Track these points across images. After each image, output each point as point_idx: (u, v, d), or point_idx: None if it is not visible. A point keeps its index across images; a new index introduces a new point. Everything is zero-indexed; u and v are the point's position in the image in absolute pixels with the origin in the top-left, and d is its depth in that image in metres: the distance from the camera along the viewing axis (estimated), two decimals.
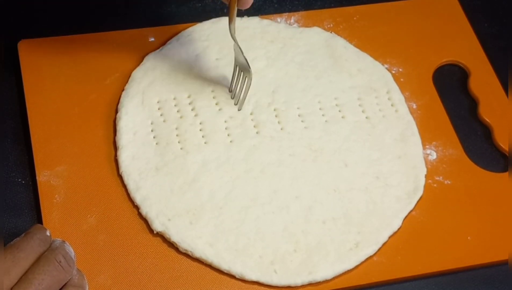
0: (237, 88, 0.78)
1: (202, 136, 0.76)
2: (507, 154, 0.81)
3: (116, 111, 0.78)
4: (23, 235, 0.59)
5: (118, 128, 0.76)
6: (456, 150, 0.80)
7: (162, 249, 0.70)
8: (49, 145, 0.74)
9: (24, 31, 0.82)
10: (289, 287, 0.69)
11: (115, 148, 0.75)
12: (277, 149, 0.76)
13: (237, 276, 0.69)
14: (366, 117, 0.80)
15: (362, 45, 0.86)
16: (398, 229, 0.73)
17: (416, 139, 0.79)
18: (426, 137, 0.80)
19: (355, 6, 0.90)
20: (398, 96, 0.82)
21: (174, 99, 0.79)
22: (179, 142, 0.76)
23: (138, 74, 0.80)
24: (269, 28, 0.85)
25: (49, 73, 0.79)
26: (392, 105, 0.81)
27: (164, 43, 0.83)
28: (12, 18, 0.84)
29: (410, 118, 0.81)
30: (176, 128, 0.76)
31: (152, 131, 0.76)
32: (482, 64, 0.87)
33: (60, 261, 0.58)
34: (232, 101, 0.79)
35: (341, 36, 0.86)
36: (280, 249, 0.70)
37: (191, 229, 0.70)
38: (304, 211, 0.73)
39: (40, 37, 0.81)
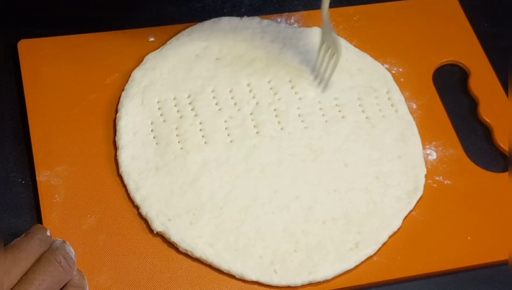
0: (322, 65, 0.79)
1: (202, 136, 0.76)
2: (507, 154, 0.81)
3: (116, 111, 0.78)
4: (23, 235, 0.59)
5: (118, 128, 0.76)
6: (456, 150, 0.80)
7: (162, 249, 0.70)
8: (49, 145, 0.74)
9: (24, 31, 0.82)
10: (289, 287, 0.69)
11: (115, 148, 0.75)
12: (277, 149, 0.76)
13: (237, 276, 0.69)
14: (366, 117, 0.80)
15: (362, 45, 0.86)
16: (398, 229, 0.74)
17: (416, 139, 0.80)
18: (426, 137, 0.80)
19: (355, 6, 0.90)
20: (398, 96, 0.82)
21: (174, 99, 0.79)
22: (179, 142, 0.76)
23: (138, 74, 0.80)
24: (269, 28, 0.85)
25: (49, 73, 0.79)
26: (392, 105, 0.82)
27: (164, 43, 0.83)
28: (12, 18, 0.84)
29: (410, 118, 0.81)
30: (176, 128, 0.77)
31: (152, 131, 0.76)
32: (482, 64, 0.87)
33: (60, 262, 0.58)
34: (232, 101, 0.79)
35: (341, 36, 0.86)
36: (280, 249, 0.70)
37: (191, 229, 0.70)
38: (304, 211, 0.73)
39: (40, 37, 0.81)
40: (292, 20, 0.88)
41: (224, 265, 0.69)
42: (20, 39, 0.81)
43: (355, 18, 0.89)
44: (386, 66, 0.85)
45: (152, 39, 0.84)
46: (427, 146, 0.80)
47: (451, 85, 0.86)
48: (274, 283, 0.69)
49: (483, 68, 0.87)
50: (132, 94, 0.78)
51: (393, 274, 0.71)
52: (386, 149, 0.78)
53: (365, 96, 0.82)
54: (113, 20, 0.84)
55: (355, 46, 0.86)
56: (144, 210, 0.71)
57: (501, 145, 0.81)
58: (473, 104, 0.85)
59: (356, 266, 0.71)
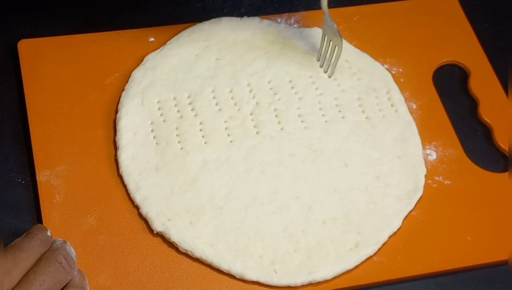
0: (327, 53, 0.81)
1: (202, 136, 0.76)
2: (507, 154, 0.81)
3: (116, 111, 0.78)
4: (24, 235, 0.59)
5: (118, 128, 0.76)
6: (456, 150, 0.80)
7: (162, 249, 0.70)
8: (49, 145, 0.74)
9: (24, 31, 0.82)
10: (289, 287, 0.69)
11: (115, 148, 0.75)
12: (277, 149, 0.76)
13: (237, 276, 0.69)
14: (366, 117, 0.80)
15: (362, 45, 0.86)
16: (398, 229, 0.74)
17: (416, 139, 0.80)
18: (426, 137, 0.80)
19: (355, 6, 0.90)
20: (398, 96, 0.82)
21: (174, 99, 0.79)
22: (179, 142, 0.76)
23: (138, 74, 0.80)
24: (269, 28, 0.85)
25: (49, 73, 0.79)
26: (392, 105, 0.82)
27: (164, 43, 0.83)
28: (12, 18, 0.84)
29: (410, 118, 0.81)
30: (176, 128, 0.77)
31: (152, 131, 0.76)
32: (482, 64, 0.87)
33: (61, 262, 0.58)
34: (232, 101, 0.79)
35: None
36: (280, 249, 0.70)
37: (191, 229, 0.70)
38: (304, 211, 0.73)
39: (40, 37, 0.81)
40: (292, 20, 0.88)
41: (224, 265, 0.69)
42: (20, 39, 0.81)
43: (355, 18, 0.89)
44: (386, 66, 0.85)
45: (152, 39, 0.84)
46: (427, 146, 0.80)
47: (451, 85, 0.86)
48: (274, 283, 0.69)
49: (483, 68, 0.87)
50: (132, 94, 0.78)
51: (393, 274, 0.71)
52: (386, 149, 0.78)
53: (365, 96, 0.82)
54: (113, 20, 0.84)
55: (355, 46, 0.86)
56: (144, 210, 0.71)
57: (501, 145, 0.81)
58: (473, 104, 0.85)
59: (356, 266, 0.71)
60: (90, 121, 0.77)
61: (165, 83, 0.80)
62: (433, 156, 0.79)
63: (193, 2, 0.89)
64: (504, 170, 0.80)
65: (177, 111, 0.78)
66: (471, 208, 0.76)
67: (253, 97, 0.80)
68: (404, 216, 0.74)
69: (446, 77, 0.87)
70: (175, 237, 0.70)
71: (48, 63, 0.80)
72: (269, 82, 0.81)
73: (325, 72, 0.82)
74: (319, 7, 0.89)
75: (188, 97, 0.79)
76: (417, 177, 0.77)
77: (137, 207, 0.72)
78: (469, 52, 0.88)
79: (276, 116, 0.79)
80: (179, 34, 0.84)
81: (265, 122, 0.78)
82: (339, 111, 0.80)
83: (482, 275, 0.73)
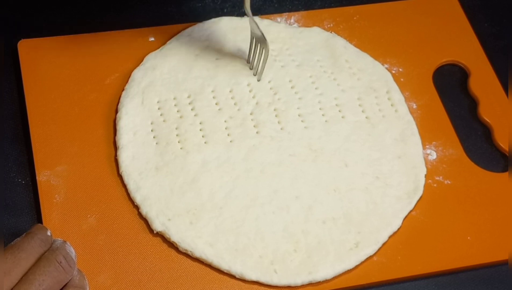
0: (255, 59, 0.79)
1: (202, 136, 0.76)
2: (507, 154, 0.81)
3: (116, 111, 0.78)
4: (24, 235, 0.59)
5: (118, 128, 0.76)
6: (456, 150, 0.80)
7: (162, 249, 0.70)
8: (49, 145, 0.75)
9: (24, 31, 0.82)
10: (289, 287, 0.69)
11: (115, 148, 0.75)
12: (277, 149, 0.76)
13: (237, 276, 0.69)
14: (366, 117, 0.80)
15: (362, 45, 0.86)
16: (398, 229, 0.74)
17: (416, 139, 0.80)
18: (426, 137, 0.80)
19: (355, 6, 0.90)
20: (398, 96, 0.82)
21: (174, 99, 0.79)
22: (179, 142, 0.76)
23: (138, 74, 0.80)
24: (269, 28, 0.85)
25: (49, 73, 0.79)
26: (392, 105, 0.82)
27: (164, 43, 0.83)
28: (12, 18, 0.84)
29: (410, 118, 0.81)
30: (176, 128, 0.77)
31: (152, 131, 0.76)
32: (482, 64, 0.87)
33: (60, 262, 0.58)
34: (232, 101, 0.79)
35: (341, 36, 0.86)
36: (280, 249, 0.70)
37: (191, 229, 0.70)
38: (304, 211, 0.73)
39: (40, 37, 0.81)
40: (292, 20, 0.88)
41: (224, 265, 0.69)
42: (20, 39, 0.81)
43: (355, 18, 0.89)
44: (386, 66, 0.85)
45: (152, 39, 0.84)
46: (427, 146, 0.80)
47: (451, 85, 0.86)
48: (274, 283, 0.69)
49: (483, 68, 0.87)
50: (132, 94, 0.78)
51: (393, 274, 0.71)
52: (386, 149, 0.78)
53: (365, 96, 0.82)
54: (113, 20, 0.84)
55: (355, 46, 0.86)
56: (144, 210, 0.71)
57: (501, 145, 0.81)
58: (473, 104, 0.85)
59: (356, 266, 0.71)
60: (90, 121, 0.77)
61: (165, 83, 0.80)
62: (433, 156, 0.79)
63: (193, 2, 0.89)
64: (504, 170, 0.80)
65: (177, 111, 0.78)
66: (471, 208, 0.76)
67: (253, 97, 0.80)
68: (404, 216, 0.74)
69: (446, 77, 0.87)
70: (175, 237, 0.70)
71: (48, 63, 0.80)
72: (269, 82, 0.81)
73: (254, 75, 0.80)
74: (319, 7, 0.90)
75: (188, 97, 0.79)
76: (417, 177, 0.77)
77: (137, 207, 0.72)
78: (469, 52, 0.88)
79: (276, 116, 0.79)
80: (179, 34, 0.84)
81: (265, 122, 0.78)
82: (339, 111, 0.80)
83: (482, 275, 0.73)
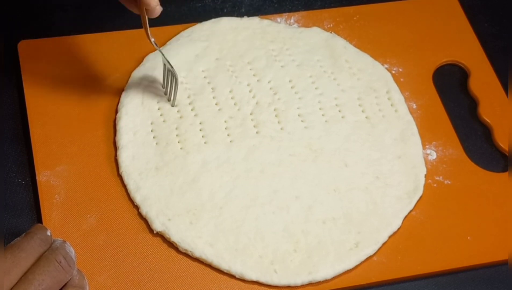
0: (168, 87, 0.78)
1: (202, 136, 0.76)
2: (507, 154, 0.81)
3: (116, 111, 0.78)
4: (23, 235, 0.59)
5: (118, 128, 0.76)
6: (456, 150, 0.80)
7: (162, 249, 0.70)
8: (49, 145, 0.75)
9: (24, 31, 0.82)
10: (289, 287, 0.69)
11: (115, 148, 0.75)
12: (277, 149, 0.76)
13: (237, 276, 0.69)
14: (366, 117, 0.80)
15: (362, 45, 0.86)
16: (398, 229, 0.74)
17: (416, 139, 0.80)
18: (426, 137, 0.80)
19: (355, 6, 0.90)
20: (398, 96, 0.82)
21: None
22: (179, 142, 0.76)
23: (138, 74, 0.80)
24: (269, 28, 0.85)
25: (49, 73, 0.79)
26: (392, 105, 0.82)
27: (164, 43, 0.83)
28: (12, 18, 0.84)
29: (410, 118, 0.81)
30: (176, 128, 0.77)
31: (152, 131, 0.76)
32: (482, 64, 0.87)
33: (60, 262, 0.58)
34: (232, 101, 0.79)
35: (341, 36, 0.86)
36: (280, 249, 0.70)
37: (191, 229, 0.70)
38: (304, 211, 0.73)
39: (40, 37, 0.81)
40: (292, 20, 0.88)
41: (224, 265, 0.69)
42: (20, 39, 0.81)
43: (355, 18, 0.89)
44: (386, 66, 0.85)
45: (152, 39, 0.83)
46: (427, 146, 0.80)
47: (451, 85, 0.86)
48: (274, 283, 0.69)
49: (483, 68, 0.87)
50: (132, 94, 0.78)
51: (393, 274, 0.71)
52: (386, 149, 0.78)
53: (365, 96, 0.82)
54: (113, 21, 0.84)
55: (355, 46, 0.86)
56: (144, 210, 0.71)
57: (501, 145, 0.81)
58: (473, 104, 0.85)
59: (356, 266, 0.71)
60: (90, 121, 0.77)
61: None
62: (433, 156, 0.79)
63: (193, 2, 0.89)
64: (504, 170, 0.80)
65: (177, 111, 0.78)
66: (471, 208, 0.76)
67: (253, 97, 0.80)
68: (404, 216, 0.74)
69: (446, 77, 0.87)
70: (175, 237, 0.70)
71: (48, 63, 0.80)
72: (269, 82, 0.81)
73: (169, 101, 0.78)
74: (319, 7, 0.90)
75: (188, 97, 0.79)
76: (417, 177, 0.77)
77: (137, 207, 0.72)
78: (469, 52, 0.88)
79: (276, 116, 0.79)
80: (179, 34, 0.84)
81: (265, 122, 0.78)
82: (339, 111, 0.80)
83: (482, 275, 0.73)
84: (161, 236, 0.71)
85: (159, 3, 0.69)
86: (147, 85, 0.79)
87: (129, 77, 0.80)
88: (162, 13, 0.85)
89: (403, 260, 0.72)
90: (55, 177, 0.72)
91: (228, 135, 0.77)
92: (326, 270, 0.70)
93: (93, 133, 0.76)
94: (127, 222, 0.71)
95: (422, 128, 0.81)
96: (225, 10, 0.88)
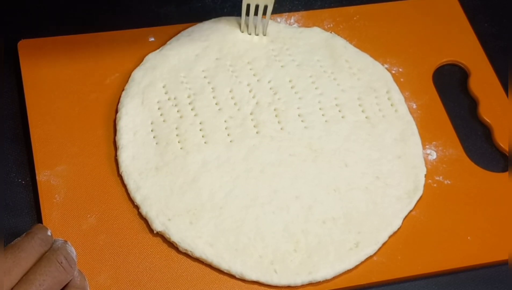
0: (252, 22, 0.81)
1: (202, 136, 0.76)
2: (507, 154, 0.81)
3: (116, 111, 0.78)
4: (24, 235, 0.59)
5: (118, 128, 0.76)
6: (456, 150, 0.80)
7: (162, 249, 0.70)
8: (49, 145, 0.75)
9: (24, 31, 0.82)
10: (289, 287, 0.69)
11: (115, 148, 0.75)
12: (277, 149, 0.76)
13: (237, 276, 0.69)
14: (366, 117, 0.80)
15: (362, 45, 0.86)
16: (398, 229, 0.74)
17: (416, 139, 0.79)
18: (426, 137, 0.80)
19: (355, 6, 0.90)
20: (397, 96, 0.82)
21: (174, 99, 0.79)
22: (179, 142, 0.76)
23: (138, 74, 0.80)
24: (269, 28, 0.85)
25: (49, 73, 0.79)
26: (391, 105, 0.82)
27: (164, 43, 0.83)
28: (12, 18, 0.84)
29: (410, 118, 0.81)
30: (176, 128, 0.77)
31: (152, 131, 0.76)
32: (482, 64, 0.87)
33: (61, 262, 0.58)
34: (232, 101, 0.79)
35: (341, 36, 0.86)
36: (280, 249, 0.70)
37: (191, 229, 0.70)
38: (304, 211, 0.73)
39: (40, 37, 0.81)
40: (292, 20, 0.88)
41: (224, 265, 0.69)
42: (20, 39, 0.81)
43: (355, 18, 0.89)
44: (386, 66, 0.85)
45: (152, 39, 0.84)
46: (427, 146, 0.80)
47: (451, 85, 0.86)
48: (274, 283, 0.69)
49: (483, 68, 0.87)
50: (132, 94, 0.78)
51: (393, 274, 0.71)
52: (386, 149, 0.78)
53: (365, 96, 0.82)
54: (113, 20, 0.84)
55: (355, 46, 0.86)
56: (144, 210, 0.71)
57: (501, 145, 0.81)
58: (473, 104, 0.85)
59: (356, 266, 0.71)
60: (90, 121, 0.77)
61: (165, 83, 0.80)
62: (433, 156, 0.79)
63: (193, 2, 0.89)
64: (504, 170, 0.80)
65: (177, 111, 0.78)
66: (471, 208, 0.76)
67: (253, 97, 0.80)
68: (404, 216, 0.74)
69: (446, 77, 0.87)
70: (175, 237, 0.70)
71: (48, 63, 0.80)
72: (269, 82, 0.81)
73: (257, 34, 0.82)
74: (319, 7, 0.90)
75: (188, 97, 0.79)
76: (417, 177, 0.77)
77: (137, 207, 0.72)
78: (469, 52, 0.88)
79: (276, 116, 0.79)
80: (179, 34, 0.84)
81: (265, 122, 0.78)
82: (339, 111, 0.80)
83: (482, 275, 0.73)
84: (161, 236, 0.71)
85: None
86: (147, 85, 0.79)
87: (129, 77, 0.80)
88: (162, 13, 0.85)
89: (403, 260, 0.72)
90: (55, 177, 0.72)
91: (228, 135, 0.77)
92: (326, 270, 0.70)
93: (93, 133, 0.76)
94: (127, 222, 0.71)
95: (422, 128, 0.81)
96: (225, 10, 0.88)
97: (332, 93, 0.81)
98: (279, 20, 0.87)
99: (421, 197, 0.76)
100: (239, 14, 0.86)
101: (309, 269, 0.70)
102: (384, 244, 0.72)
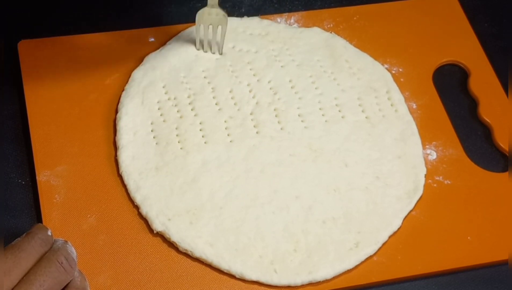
0: (206, 40, 0.80)
1: (202, 136, 0.76)
2: (507, 154, 0.81)
3: (116, 111, 0.78)
4: (24, 235, 0.59)
5: (118, 128, 0.76)
6: (456, 150, 0.80)
7: (162, 249, 0.70)
8: (49, 145, 0.75)
9: (24, 31, 0.82)
10: (289, 287, 0.69)
11: (115, 148, 0.75)
12: (277, 149, 0.76)
13: (237, 276, 0.69)
14: (366, 117, 0.80)
15: (362, 45, 0.86)
16: (398, 229, 0.74)
17: (416, 139, 0.80)
18: (426, 137, 0.80)
19: (355, 6, 0.90)
20: (397, 96, 0.82)
21: (174, 99, 0.79)
22: (179, 142, 0.76)
23: (138, 74, 0.80)
24: (269, 28, 0.85)
25: (49, 73, 0.79)
26: (391, 105, 0.82)
27: (164, 43, 0.83)
28: (12, 18, 0.84)
29: (410, 118, 0.81)
30: (176, 128, 0.77)
31: (152, 131, 0.76)
32: (482, 64, 0.87)
33: (62, 262, 0.58)
34: (232, 101, 0.79)
35: (341, 36, 0.86)
36: (280, 249, 0.70)
37: (191, 229, 0.70)
38: (304, 211, 0.73)
39: (40, 37, 0.81)
40: (292, 20, 0.88)
41: (224, 265, 0.69)
42: (20, 39, 0.81)
43: (355, 18, 0.89)
44: (386, 66, 0.85)
45: (152, 39, 0.84)
46: (427, 146, 0.80)
47: (451, 85, 0.86)
48: (274, 282, 0.69)
49: (483, 68, 0.87)
50: (132, 94, 0.78)
51: (393, 274, 0.71)
52: (386, 149, 0.78)
53: (365, 96, 0.82)
54: (113, 20, 0.84)
55: (355, 46, 0.86)
56: (144, 210, 0.71)
57: (501, 145, 0.81)
58: (473, 104, 0.85)
59: (356, 266, 0.71)
60: (90, 121, 0.77)
61: (165, 83, 0.80)
62: (433, 156, 0.79)
63: (193, 2, 0.89)
64: (504, 170, 0.80)
65: (177, 111, 0.78)
66: (471, 208, 0.76)
67: (253, 97, 0.80)
68: (404, 216, 0.74)
69: (446, 77, 0.87)
70: (175, 237, 0.70)
71: (48, 63, 0.80)
72: (269, 82, 0.81)
73: (213, 53, 0.81)
74: (319, 7, 0.90)
75: (188, 97, 0.79)
76: (417, 177, 0.77)
77: (137, 207, 0.72)
78: (469, 52, 0.88)
79: (276, 116, 0.79)
80: (179, 34, 0.84)
81: (265, 122, 0.78)
82: (339, 111, 0.80)
83: (482, 275, 0.73)
84: (161, 236, 0.71)
85: None
86: (147, 85, 0.79)
87: (129, 77, 0.80)
88: (162, 13, 0.85)
89: (403, 260, 0.72)
90: (55, 177, 0.72)
91: (228, 135, 0.77)
92: (326, 270, 0.70)
93: (93, 133, 0.76)
94: (127, 222, 0.71)
95: (422, 128, 0.81)
96: (224, 10, 0.88)
97: (332, 93, 0.81)
98: (279, 20, 0.87)
99: (421, 197, 0.76)
100: (239, 14, 0.87)
101: (309, 269, 0.70)
102: (384, 244, 0.72)
